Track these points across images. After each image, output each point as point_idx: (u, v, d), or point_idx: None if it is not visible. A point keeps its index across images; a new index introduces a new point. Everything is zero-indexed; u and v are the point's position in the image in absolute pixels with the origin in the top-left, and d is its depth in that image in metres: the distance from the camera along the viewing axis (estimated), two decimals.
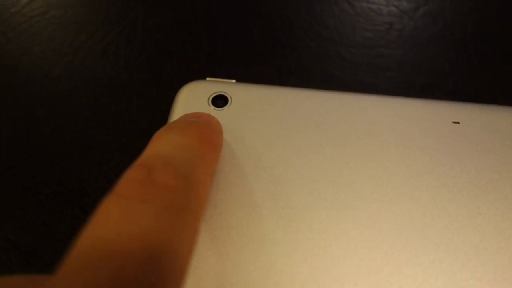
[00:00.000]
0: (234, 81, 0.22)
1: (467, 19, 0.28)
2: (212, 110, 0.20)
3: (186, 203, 0.13)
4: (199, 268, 0.16)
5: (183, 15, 0.28)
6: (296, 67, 0.26)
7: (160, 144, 0.15)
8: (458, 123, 0.20)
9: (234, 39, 0.27)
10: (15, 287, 0.11)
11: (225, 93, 0.21)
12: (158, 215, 0.12)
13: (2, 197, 0.21)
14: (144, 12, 0.28)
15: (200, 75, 0.25)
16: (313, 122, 0.20)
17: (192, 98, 0.21)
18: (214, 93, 0.21)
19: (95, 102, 0.24)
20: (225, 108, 0.21)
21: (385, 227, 0.17)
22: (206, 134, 0.16)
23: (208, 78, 0.22)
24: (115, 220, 0.11)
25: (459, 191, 0.18)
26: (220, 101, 0.21)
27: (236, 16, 0.28)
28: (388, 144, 0.20)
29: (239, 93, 0.21)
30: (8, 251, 0.19)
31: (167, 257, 0.11)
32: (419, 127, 0.20)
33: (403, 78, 0.25)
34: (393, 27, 0.28)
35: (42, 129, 0.23)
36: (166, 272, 0.11)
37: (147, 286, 0.10)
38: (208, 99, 0.21)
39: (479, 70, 0.25)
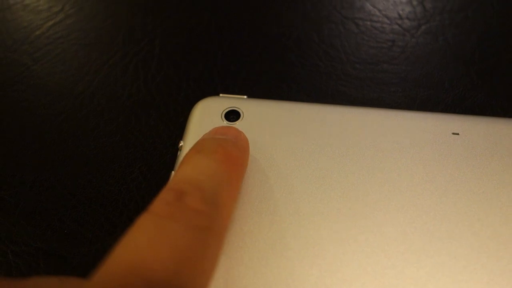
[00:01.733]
0: (245, 97, 0.24)
1: (466, 37, 0.29)
2: (225, 125, 0.22)
3: (211, 225, 0.14)
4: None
5: (198, 36, 0.30)
6: (305, 84, 0.27)
7: (190, 168, 0.16)
8: (458, 134, 0.21)
9: (246, 58, 0.29)
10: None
11: (238, 108, 0.23)
12: (186, 234, 0.13)
13: (31, 207, 0.22)
14: (161, 33, 0.30)
15: (214, 92, 0.26)
16: (321, 135, 0.21)
17: (206, 113, 0.22)
18: (227, 108, 0.23)
19: (116, 117, 0.26)
20: (237, 122, 0.22)
21: (389, 233, 0.18)
22: (234, 155, 0.18)
23: (221, 94, 0.24)
24: (149, 234, 0.13)
25: (459, 199, 0.19)
26: (232, 115, 0.22)
27: (248, 37, 0.30)
28: (392, 155, 0.21)
29: (251, 108, 0.23)
30: (37, 257, 0.21)
31: (191, 272, 0.12)
32: (421, 138, 0.21)
33: (405, 92, 0.26)
34: (395, 44, 0.29)
35: (68, 143, 0.25)
36: (192, 285, 0.12)
37: None
38: (222, 114, 0.22)
39: (478, 85, 0.26)
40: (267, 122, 0.22)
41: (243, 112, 0.22)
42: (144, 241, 0.13)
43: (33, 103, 0.27)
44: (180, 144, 0.22)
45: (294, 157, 0.21)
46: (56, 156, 0.24)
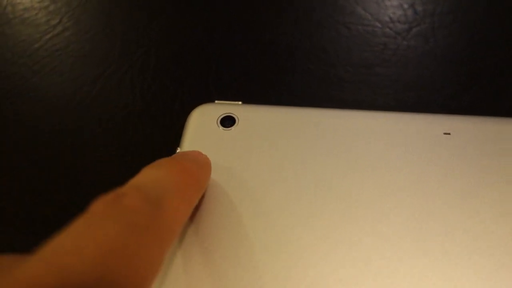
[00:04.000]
0: (240, 103, 0.24)
1: (456, 38, 0.30)
2: (220, 131, 0.22)
3: (149, 224, 0.13)
4: (208, 273, 0.18)
5: (192, 46, 0.31)
6: (298, 88, 0.28)
7: (137, 177, 0.16)
8: (449, 134, 0.22)
9: (240, 65, 0.29)
10: None
11: (233, 114, 0.23)
12: (120, 232, 0.12)
13: (31, 217, 0.23)
14: (156, 44, 0.31)
15: (209, 99, 0.27)
16: (314, 138, 0.22)
17: (202, 120, 0.23)
18: (222, 114, 0.23)
19: (113, 127, 0.26)
20: (233, 128, 0.22)
21: (383, 234, 0.18)
22: (187, 167, 0.17)
23: (216, 101, 0.24)
24: (77, 232, 0.12)
25: (451, 198, 0.20)
26: (228, 121, 0.23)
27: (241, 44, 0.31)
28: (385, 155, 0.21)
29: (246, 113, 0.23)
30: None
31: (124, 270, 0.12)
32: (413, 139, 0.22)
33: (397, 94, 0.27)
34: (387, 47, 0.30)
35: (66, 154, 0.25)
36: (121, 284, 0.12)
37: None
38: (217, 120, 0.23)
39: (468, 85, 0.27)
40: (262, 127, 0.22)
41: (238, 118, 0.23)
42: (69, 239, 0.12)
43: (32, 114, 0.27)
44: (178, 151, 0.22)
45: (289, 160, 0.21)
46: (54, 167, 0.25)
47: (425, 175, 0.20)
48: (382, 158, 0.21)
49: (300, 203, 0.19)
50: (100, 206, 0.13)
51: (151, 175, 0.16)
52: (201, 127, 0.22)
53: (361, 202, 0.19)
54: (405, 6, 0.32)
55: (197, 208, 0.19)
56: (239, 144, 0.22)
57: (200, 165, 0.19)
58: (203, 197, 0.20)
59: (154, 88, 0.28)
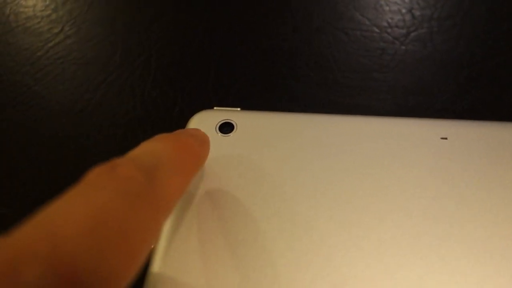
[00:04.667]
0: (239, 109, 0.24)
1: (454, 43, 0.30)
2: (219, 137, 0.23)
3: (143, 192, 0.13)
4: (210, 278, 0.18)
5: (192, 53, 0.31)
6: (297, 94, 0.28)
7: (135, 149, 0.16)
8: (446, 138, 0.22)
9: (239, 72, 0.29)
10: None
11: (231, 120, 0.23)
12: (112, 198, 0.12)
13: None
14: (156, 51, 0.31)
15: (208, 106, 0.27)
16: (313, 143, 0.22)
17: (201, 126, 0.23)
18: (221, 120, 0.23)
19: (114, 134, 0.26)
20: (231, 134, 0.23)
21: (381, 238, 0.19)
22: (184, 141, 0.17)
23: (215, 108, 0.24)
24: (69, 200, 0.12)
25: (448, 202, 0.20)
26: (226, 128, 0.23)
27: (241, 51, 0.31)
28: (382, 160, 0.21)
29: (244, 120, 0.23)
30: None
31: (116, 236, 0.12)
32: (410, 144, 0.22)
33: (395, 99, 0.27)
34: (385, 52, 0.30)
35: (68, 161, 0.25)
36: (112, 250, 0.12)
37: (88, 259, 0.11)
38: (216, 126, 0.23)
39: (466, 90, 0.27)
40: (261, 133, 0.23)
41: (236, 124, 0.23)
42: (63, 207, 0.12)
43: (35, 121, 0.28)
44: None
45: (288, 166, 0.21)
46: (57, 173, 0.25)
47: (422, 180, 0.20)
48: (379, 163, 0.21)
49: (298, 208, 0.20)
50: (94, 175, 0.13)
51: (148, 148, 0.16)
52: None
53: (358, 207, 0.20)
54: (403, 11, 0.32)
55: (195, 213, 0.20)
56: (237, 150, 0.22)
57: (198, 140, 0.19)
58: (201, 202, 0.20)
59: (154, 95, 0.28)
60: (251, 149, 0.22)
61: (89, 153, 0.26)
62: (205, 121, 0.23)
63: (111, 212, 0.12)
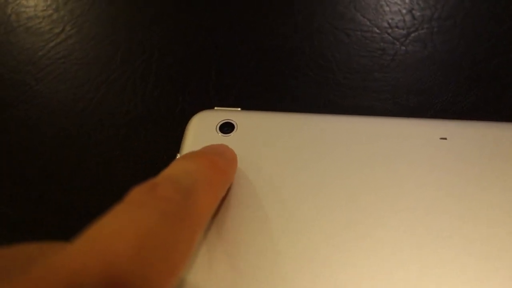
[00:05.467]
0: (239, 109, 0.24)
1: (454, 43, 0.30)
2: (220, 137, 0.23)
3: (181, 213, 0.14)
4: (207, 278, 0.18)
5: (193, 53, 0.31)
6: (297, 94, 0.28)
7: (170, 169, 0.17)
8: (446, 139, 0.22)
9: (241, 71, 0.30)
10: (26, 254, 0.13)
11: (232, 120, 0.23)
12: (155, 219, 0.13)
13: (36, 222, 0.23)
14: (157, 50, 0.31)
15: (209, 105, 0.27)
16: (313, 143, 0.22)
17: (201, 126, 0.23)
18: (221, 120, 0.23)
19: (116, 133, 0.27)
20: (232, 134, 0.23)
21: (380, 238, 0.19)
22: (215, 161, 0.18)
23: (216, 108, 0.25)
24: (117, 219, 0.13)
25: (447, 202, 0.20)
26: (227, 128, 0.23)
27: (242, 51, 0.31)
28: (382, 160, 0.21)
29: (245, 120, 0.23)
30: None
31: (160, 253, 0.13)
32: (410, 144, 0.22)
33: (396, 99, 0.27)
34: (386, 52, 0.30)
35: (70, 159, 0.26)
36: (157, 266, 0.12)
37: (138, 274, 0.12)
38: (216, 126, 0.23)
39: (466, 90, 0.27)
40: (261, 133, 0.23)
41: (237, 124, 0.23)
42: (111, 225, 0.13)
43: (37, 121, 0.28)
44: (178, 157, 0.22)
45: (288, 165, 0.21)
46: (59, 172, 0.25)
47: (421, 180, 0.20)
48: (379, 163, 0.21)
49: (298, 208, 0.20)
50: (136, 195, 0.14)
51: (182, 167, 0.17)
52: (201, 133, 0.23)
53: (358, 207, 0.20)
54: (404, 11, 0.32)
55: None
56: (238, 150, 0.22)
57: (227, 159, 0.19)
58: None
59: (155, 94, 0.28)
60: (251, 149, 0.22)
61: (90, 152, 0.26)
62: (205, 121, 0.23)
63: (155, 231, 0.13)
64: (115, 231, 0.13)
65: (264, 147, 0.22)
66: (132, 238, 0.12)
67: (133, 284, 0.12)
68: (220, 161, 0.18)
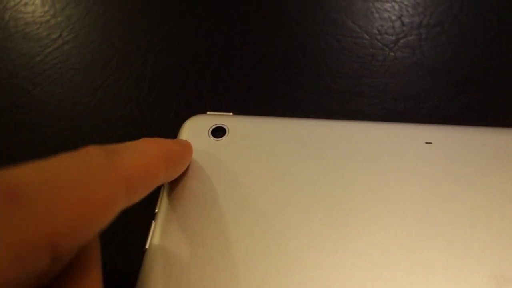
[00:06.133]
0: (231, 114, 0.25)
1: (442, 49, 0.31)
2: (211, 141, 0.23)
3: (102, 162, 0.15)
4: (200, 280, 0.18)
5: (188, 58, 0.32)
6: (289, 100, 0.29)
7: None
8: (431, 143, 0.23)
9: (234, 77, 0.30)
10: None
11: (223, 125, 0.24)
12: (68, 160, 0.15)
13: None
14: (153, 56, 0.32)
15: (203, 110, 0.28)
16: (303, 148, 0.23)
17: (194, 130, 0.24)
18: (213, 125, 0.24)
19: (111, 136, 0.27)
20: (224, 138, 0.23)
21: (367, 241, 0.19)
22: (161, 141, 0.19)
23: (208, 112, 0.25)
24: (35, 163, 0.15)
25: (432, 205, 0.20)
26: (218, 132, 0.24)
27: (235, 56, 0.32)
28: (368, 165, 0.22)
29: (236, 124, 0.24)
30: None
31: (60, 178, 0.14)
32: (395, 148, 0.22)
33: (384, 104, 0.28)
34: (375, 58, 0.31)
35: None
36: (58, 190, 0.13)
37: (32, 181, 0.13)
38: (208, 130, 0.24)
39: (453, 95, 0.28)
40: (252, 137, 0.23)
41: (228, 129, 0.24)
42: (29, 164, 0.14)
43: (34, 125, 0.28)
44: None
45: (279, 170, 0.22)
46: None
47: (406, 184, 0.21)
48: (365, 167, 0.22)
49: (289, 212, 0.20)
50: (70, 152, 0.16)
51: (126, 143, 0.17)
52: (193, 137, 0.23)
53: (346, 211, 0.20)
54: (393, 18, 0.33)
55: (186, 215, 0.20)
56: (229, 154, 0.23)
57: (180, 144, 0.20)
58: (192, 204, 0.21)
59: (150, 99, 0.29)
60: (242, 153, 0.23)
61: None
62: (198, 125, 0.24)
63: (63, 164, 0.15)
64: (33, 164, 0.14)
65: (255, 151, 0.23)
66: (40, 166, 0.14)
67: (31, 195, 0.12)
68: (162, 139, 0.19)
